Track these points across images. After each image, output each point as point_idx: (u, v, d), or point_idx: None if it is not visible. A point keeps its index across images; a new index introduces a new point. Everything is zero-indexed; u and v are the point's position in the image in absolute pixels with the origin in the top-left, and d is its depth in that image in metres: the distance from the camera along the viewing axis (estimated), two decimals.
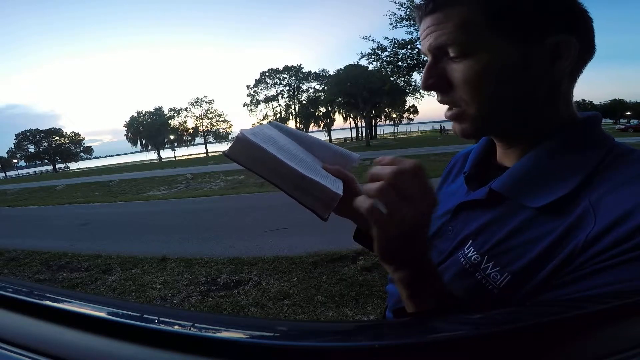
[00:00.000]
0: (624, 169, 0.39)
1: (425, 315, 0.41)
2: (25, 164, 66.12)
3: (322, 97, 40.80)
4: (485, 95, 0.43)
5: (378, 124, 53.04)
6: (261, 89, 47.28)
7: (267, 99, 47.23)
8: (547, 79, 0.42)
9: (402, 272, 0.41)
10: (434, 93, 0.48)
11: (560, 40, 0.41)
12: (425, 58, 0.47)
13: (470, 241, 0.47)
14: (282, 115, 47.06)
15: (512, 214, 0.44)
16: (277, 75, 46.87)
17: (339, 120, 49.72)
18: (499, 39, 0.41)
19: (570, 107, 0.46)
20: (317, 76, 46.31)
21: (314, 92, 46.46)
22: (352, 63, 32.86)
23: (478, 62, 0.42)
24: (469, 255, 0.46)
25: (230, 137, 51.68)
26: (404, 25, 16.01)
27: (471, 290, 0.44)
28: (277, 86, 47.13)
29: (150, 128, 55.47)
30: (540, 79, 0.42)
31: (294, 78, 46.72)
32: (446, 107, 0.48)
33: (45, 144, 59.69)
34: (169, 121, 55.45)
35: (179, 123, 55.58)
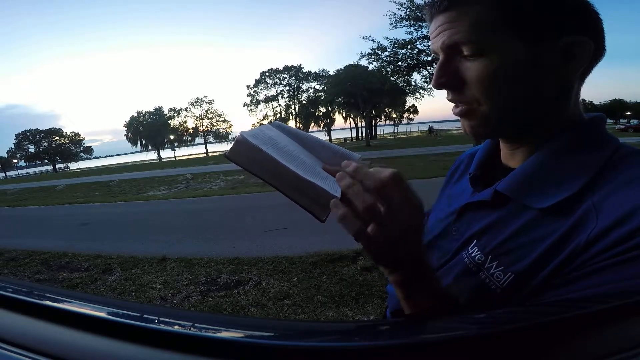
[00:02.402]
0: (628, 170, 0.39)
1: (422, 317, 0.41)
2: (25, 164, 66.11)
3: (322, 97, 40.80)
4: (499, 94, 0.43)
5: (378, 124, 53.06)
6: (261, 89, 47.30)
7: (267, 99, 47.22)
8: (559, 79, 0.42)
9: (396, 275, 0.41)
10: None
11: (574, 41, 0.41)
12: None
13: (475, 241, 0.47)
14: (282, 115, 47.05)
15: (516, 214, 0.44)
16: (277, 75, 46.86)
17: (339, 120, 49.81)
18: (514, 37, 0.41)
19: (577, 107, 0.46)
20: (317, 76, 46.30)
21: (314, 92, 46.46)
22: (352, 63, 32.91)
23: (492, 61, 0.42)
24: (473, 255, 0.46)
25: (230, 137, 51.68)
26: (404, 25, 16.01)
27: (475, 290, 0.44)
28: (277, 86, 47.13)
29: (150, 128, 55.46)
30: (553, 79, 0.42)
31: (294, 78, 46.70)
32: (452, 105, 0.48)
33: (45, 144, 59.67)
34: (169, 121, 55.43)
35: (179, 123, 55.59)
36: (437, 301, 0.41)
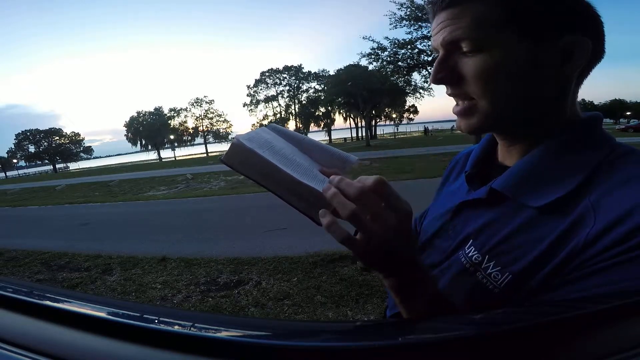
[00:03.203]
0: (625, 169, 0.39)
1: (421, 317, 0.41)
2: (25, 164, 66.06)
3: (322, 97, 40.78)
4: (497, 91, 0.43)
5: (378, 124, 53.11)
6: (261, 89, 47.28)
7: (267, 99, 47.21)
8: (558, 78, 0.43)
9: (390, 280, 0.41)
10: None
11: (574, 41, 0.41)
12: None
13: (471, 240, 0.47)
14: (282, 116, 47.05)
15: (512, 213, 0.44)
16: (277, 75, 46.85)
17: (339, 120, 49.87)
18: (514, 35, 0.41)
19: (574, 107, 0.46)
20: (317, 76, 46.29)
21: (314, 92, 46.45)
22: (352, 63, 32.88)
23: (491, 57, 0.42)
24: (470, 254, 0.46)
25: (230, 137, 51.70)
26: (404, 25, 16.03)
27: (472, 290, 0.44)
28: (277, 86, 47.12)
29: (150, 128, 55.43)
30: (552, 78, 0.42)
31: (294, 78, 46.69)
32: (454, 103, 0.48)
33: (45, 144, 59.63)
34: (169, 121, 55.41)
35: (179, 123, 55.58)
36: (433, 306, 0.41)
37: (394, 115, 50.18)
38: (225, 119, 54.80)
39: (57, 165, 61.04)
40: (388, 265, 0.40)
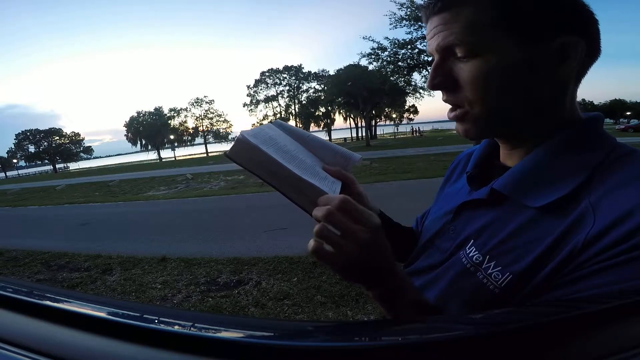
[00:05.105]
0: (625, 170, 0.39)
1: (422, 317, 0.42)
2: (25, 164, 66.08)
3: (322, 97, 40.78)
4: (492, 96, 0.43)
5: (378, 124, 53.12)
6: (261, 89, 47.29)
7: (267, 99, 47.22)
8: (553, 80, 0.42)
9: (373, 291, 0.43)
10: (434, 93, 0.48)
11: (568, 42, 0.41)
12: (429, 58, 0.47)
13: (472, 241, 0.47)
14: (282, 115, 47.04)
15: (513, 213, 0.44)
16: (277, 75, 46.86)
17: (339, 120, 49.91)
18: (508, 39, 0.41)
19: (573, 107, 0.46)
20: (317, 76, 46.29)
21: (314, 92, 46.46)
22: (352, 63, 32.88)
23: (485, 62, 0.42)
24: (471, 254, 0.46)
25: (230, 137, 51.76)
26: (404, 25, 16.04)
27: (473, 290, 0.44)
28: (277, 86, 47.13)
29: (150, 128, 55.43)
30: (547, 80, 0.42)
31: (294, 78, 46.70)
32: (449, 107, 0.48)
33: (45, 144, 59.62)
34: (169, 121, 55.43)
35: (179, 123, 55.61)
36: (417, 309, 0.42)
37: (394, 115, 50.22)
38: (225, 119, 54.86)
39: (57, 165, 61.03)
40: (367, 278, 0.42)
